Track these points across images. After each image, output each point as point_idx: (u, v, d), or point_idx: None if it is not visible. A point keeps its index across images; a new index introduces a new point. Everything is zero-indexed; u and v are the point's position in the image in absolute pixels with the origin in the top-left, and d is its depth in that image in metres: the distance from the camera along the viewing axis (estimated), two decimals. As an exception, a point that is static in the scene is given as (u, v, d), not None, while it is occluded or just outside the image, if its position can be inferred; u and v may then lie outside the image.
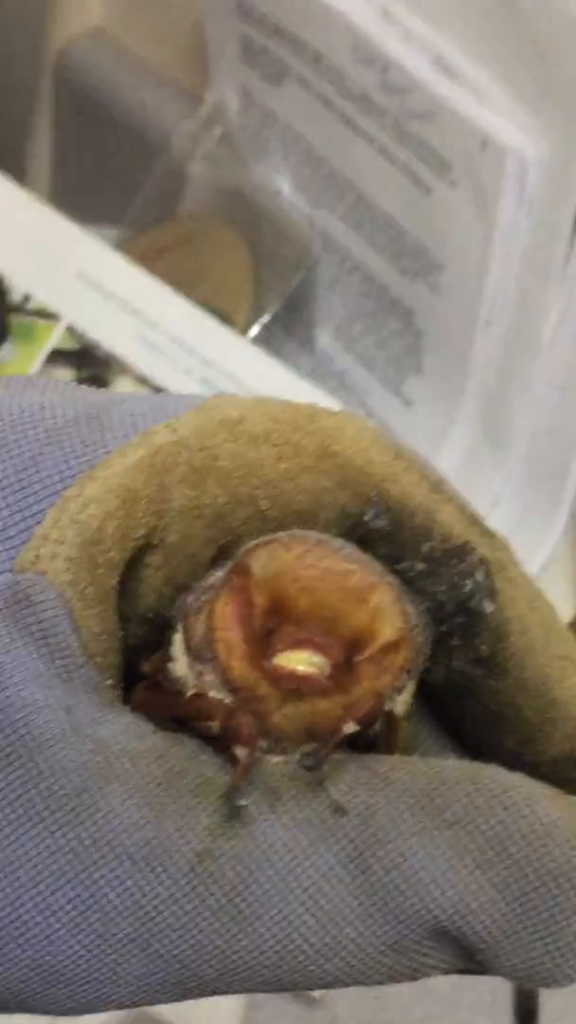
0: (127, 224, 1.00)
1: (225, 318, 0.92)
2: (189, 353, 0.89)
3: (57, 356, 0.90)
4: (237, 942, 0.32)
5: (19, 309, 0.91)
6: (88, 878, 0.32)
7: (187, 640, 0.34)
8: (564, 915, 0.33)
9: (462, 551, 0.36)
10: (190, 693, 0.34)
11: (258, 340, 0.95)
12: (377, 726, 0.34)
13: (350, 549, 0.34)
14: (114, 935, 0.32)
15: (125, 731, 0.33)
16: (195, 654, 0.33)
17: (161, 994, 0.33)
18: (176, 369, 0.89)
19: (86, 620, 0.33)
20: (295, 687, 0.33)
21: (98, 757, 0.32)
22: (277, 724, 0.33)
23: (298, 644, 0.33)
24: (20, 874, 0.32)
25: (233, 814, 0.32)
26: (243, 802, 0.32)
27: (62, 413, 0.35)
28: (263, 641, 0.33)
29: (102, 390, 0.38)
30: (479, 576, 0.36)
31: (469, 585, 0.35)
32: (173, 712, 0.34)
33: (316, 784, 0.33)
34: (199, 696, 0.33)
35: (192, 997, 0.33)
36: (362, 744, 0.34)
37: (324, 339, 0.99)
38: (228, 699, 0.33)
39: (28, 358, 0.90)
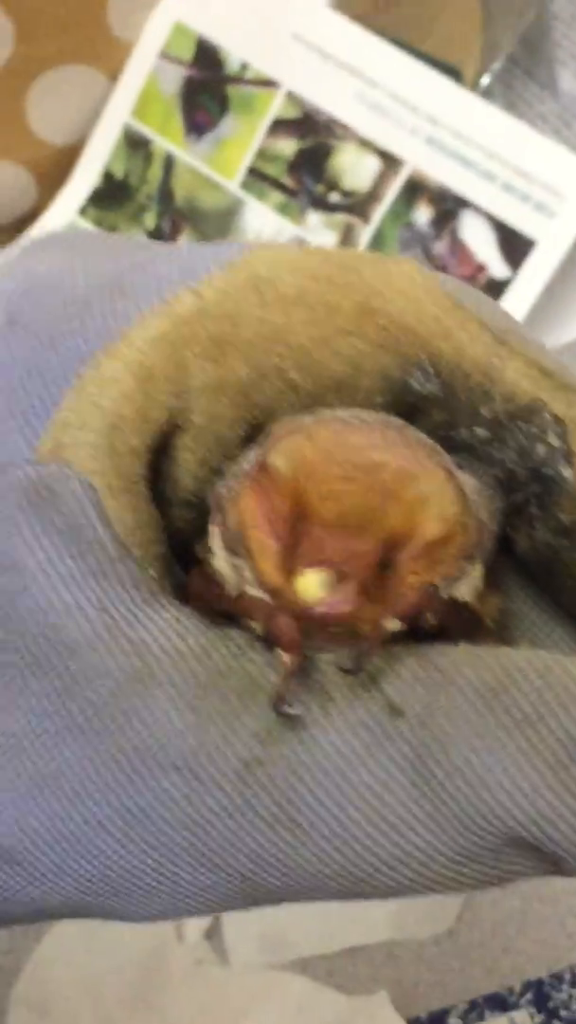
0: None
1: (454, 72, 0.86)
2: (413, 112, 0.85)
3: (279, 126, 0.87)
4: (297, 853, 0.30)
5: (237, 79, 0.87)
6: (134, 790, 0.30)
7: (222, 533, 0.31)
8: None
9: (530, 411, 0.32)
10: (232, 590, 0.31)
11: (494, 89, 0.90)
12: (431, 616, 0.31)
13: (389, 429, 0.31)
14: (168, 847, 0.30)
15: (168, 629, 0.31)
16: (230, 548, 0.31)
17: (231, 903, 0.31)
18: (401, 129, 0.85)
19: (117, 511, 0.31)
20: (315, 622, 0.30)
21: (136, 660, 0.30)
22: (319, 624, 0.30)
23: (319, 563, 0.30)
24: (65, 787, 0.30)
25: (282, 720, 0.30)
26: (291, 710, 0.30)
27: (83, 281, 0.33)
28: (292, 547, 0.30)
29: (138, 242, 0.35)
30: (552, 438, 0.32)
31: (541, 449, 0.32)
32: (220, 606, 0.32)
33: (371, 683, 0.30)
34: (242, 594, 0.31)
35: (266, 905, 0.32)
36: (430, 635, 0.31)
37: (568, 80, 0.92)
38: (267, 598, 0.31)
39: (250, 130, 0.87)
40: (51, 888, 0.31)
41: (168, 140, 0.89)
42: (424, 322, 0.32)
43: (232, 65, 0.87)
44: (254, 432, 0.32)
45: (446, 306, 0.32)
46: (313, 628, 0.30)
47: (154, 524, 0.32)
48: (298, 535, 0.30)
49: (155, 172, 0.89)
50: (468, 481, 0.31)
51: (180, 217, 0.88)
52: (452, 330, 0.32)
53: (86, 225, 0.90)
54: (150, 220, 0.88)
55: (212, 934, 0.71)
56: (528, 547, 0.33)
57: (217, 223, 0.87)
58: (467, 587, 0.31)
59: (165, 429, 0.32)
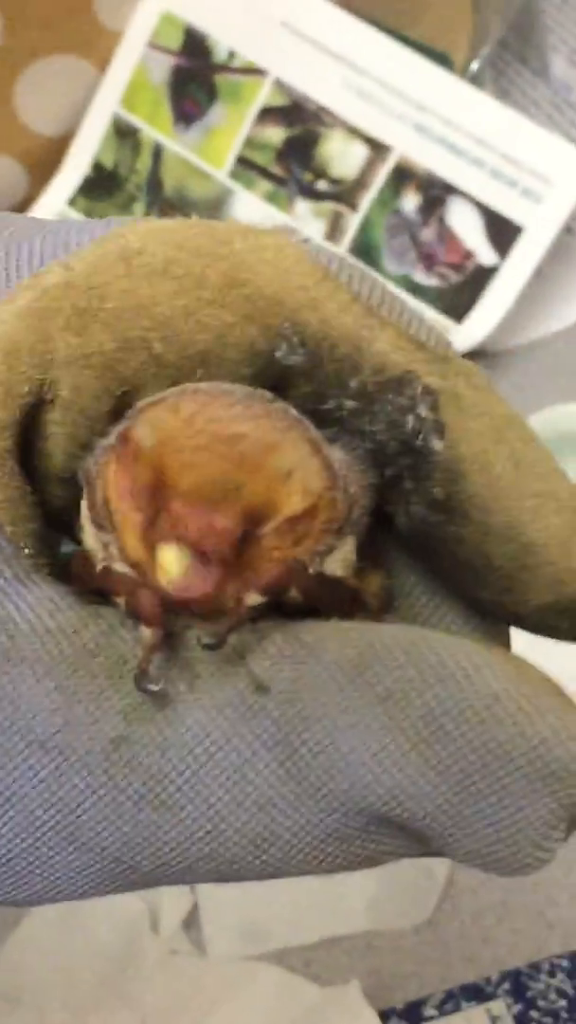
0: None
1: (444, 58, 0.86)
2: (401, 99, 0.84)
3: (267, 114, 0.86)
4: (165, 833, 0.30)
5: (225, 68, 0.87)
6: (2, 770, 0.30)
7: (90, 508, 0.31)
8: (513, 798, 0.30)
9: (400, 383, 0.31)
10: (99, 567, 0.31)
11: (485, 75, 0.89)
12: (296, 591, 0.30)
13: (253, 401, 0.30)
14: (37, 827, 0.30)
15: (38, 606, 0.31)
16: (97, 524, 0.31)
17: (104, 887, 0.31)
18: (389, 116, 0.84)
19: None
20: (175, 599, 0.30)
21: (3, 637, 0.30)
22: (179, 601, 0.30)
23: (177, 538, 0.29)
24: None
25: (148, 698, 0.30)
26: (153, 687, 0.30)
27: None
28: (153, 520, 0.30)
29: (23, 218, 0.34)
30: (422, 410, 0.31)
31: (411, 421, 0.31)
32: (93, 584, 0.31)
33: (237, 659, 0.30)
34: (107, 570, 0.31)
35: (141, 888, 0.32)
36: (302, 611, 0.31)
37: (560, 66, 0.92)
38: (132, 573, 0.30)
39: (238, 118, 0.87)
40: None
41: (157, 129, 0.88)
42: (291, 292, 0.31)
43: (220, 54, 0.87)
44: (121, 406, 0.31)
45: (316, 277, 0.31)
46: (179, 607, 0.30)
47: (26, 500, 0.31)
48: (158, 508, 0.29)
49: (144, 162, 0.89)
50: (337, 455, 0.31)
51: (169, 207, 0.88)
52: (320, 301, 0.31)
53: (76, 215, 0.89)
54: (139, 210, 0.88)
55: (189, 924, 0.70)
56: (406, 523, 0.32)
57: (206, 212, 0.87)
58: (338, 562, 0.31)
59: (32, 402, 0.31)
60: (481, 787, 0.29)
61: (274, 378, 0.32)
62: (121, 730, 0.30)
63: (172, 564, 0.29)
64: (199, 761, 0.30)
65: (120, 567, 0.30)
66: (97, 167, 0.90)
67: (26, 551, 0.31)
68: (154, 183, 0.88)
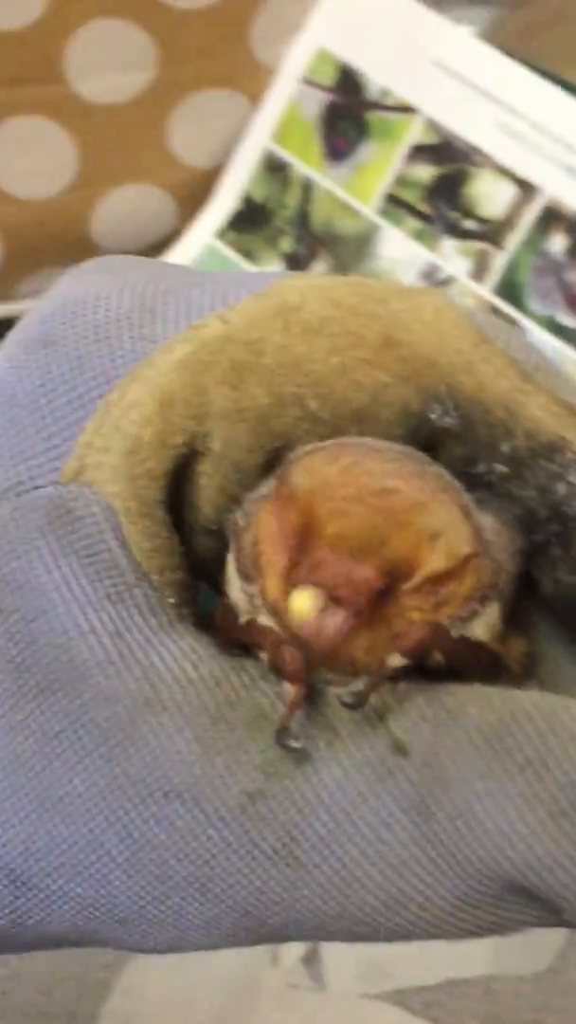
0: (493, 3, 0.94)
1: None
2: (552, 139, 0.84)
3: (417, 152, 0.86)
4: (297, 890, 0.30)
5: (377, 105, 0.87)
6: (138, 817, 0.30)
7: (237, 559, 0.31)
8: None
9: (551, 449, 0.31)
10: (243, 619, 0.31)
11: None
12: (438, 654, 0.30)
13: (408, 460, 0.30)
14: (171, 877, 0.30)
15: (182, 656, 0.31)
16: (244, 574, 0.31)
17: (234, 939, 0.31)
18: (539, 156, 0.84)
19: (135, 535, 0.31)
20: (304, 640, 0.29)
21: (146, 686, 0.30)
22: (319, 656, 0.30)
23: (314, 582, 0.29)
24: (71, 811, 0.30)
25: (287, 754, 0.30)
26: (294, 743, 0.30)
27: (116, 304, 0.33)
28: (296, 564, 0.30)
29: (179, 268, 0.35)
30: (573, 476, 0.31)
31: (562, 488, 0.31)
32: (236, 636, 0.32)
33: (377, 720, 0.30)
34: (251, 623, 0.31)
35: (271, 942, 0.32)
36: (445, 675, 0.31)
37: None
38: (276, 626, 0.30)
39: (388, 156, 0.87)
40: (56, 912, 0.31)
41: (307, 165, 0.89)
42: (446, 355, 0.31)
43: (372, 91, 0.87)
44: (273, 461, 0.32)
45: (472, 340, 0.32)
46: (317, 659, 0.30)
47: (173, 551, 0.32)
48: (303, 552, 0.30)
49: (293, 196, 0.89)
50: (486, 521, 0.31)
51: (316, 242, 0.88)
52: (475, 364, 0.31)
53: (224, 248, 0.90)
54: (286, 244, 0.89)
55: (310, 959, 0.70)
56: (552, 589, 0.32)
57: (353, 248, 0.87)
58: (482, 627, 0.31)
59: (184, 454, 0.32)
60: None
61: (426, 439, 0.32)
62: (259, 784, 0.30)
63: (304, 605, 0.29)
64: (335, 820, 0.30)
65: (264, 620, 0.30)
66: (247, 200, 0.90)
67: (171, 600, 0.32)
68: (302, 218, 0.89)
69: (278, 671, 0.30)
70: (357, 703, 0.29)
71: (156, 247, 0.91)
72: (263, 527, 0.30)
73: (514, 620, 0.32)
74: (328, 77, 0.88)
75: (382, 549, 0.29)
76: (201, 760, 0.30)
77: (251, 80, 0.89)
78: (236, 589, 0.31)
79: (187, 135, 0.89)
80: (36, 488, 0.32)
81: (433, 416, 0.31)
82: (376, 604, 0.30)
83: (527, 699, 0.30)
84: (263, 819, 0.30)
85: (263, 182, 0.90)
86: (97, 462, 0.31)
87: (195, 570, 0.33)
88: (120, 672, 0.30)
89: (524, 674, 0.32)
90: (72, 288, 0.33)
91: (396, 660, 0.30)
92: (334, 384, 0.31)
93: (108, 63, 0.86)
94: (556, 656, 0.33)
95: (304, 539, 0.29)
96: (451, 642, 0.30)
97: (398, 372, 0.31)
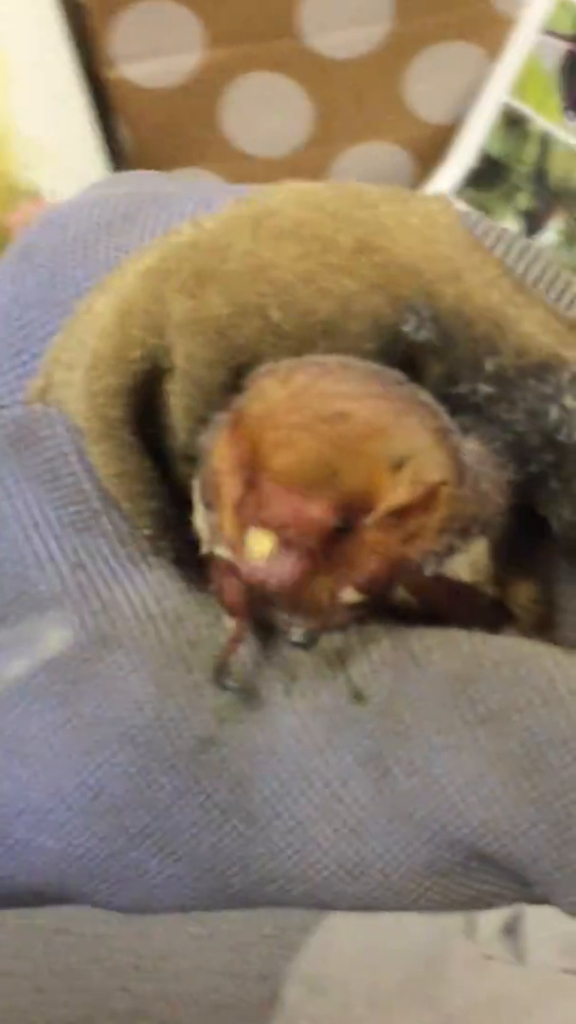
0: None
1: None
2: None
3: None
4: (252, 848, 0.28)
5: (619, 54, 0.84)
6: (92, 762, 0.29)
7: (200, 485, 0.29)
8: None
9: (543, 368, 0.28)
10: (204, 550, 0.29)
11: None
12: (404, 592, 0.28)
13: (373, 379, 0.27)
14: (127, 829, 0.29)
15: (147, 591, 0.29)
16: (206, 502, 0.29)
17: (201, 901, 0.30)
18: None
19: (98, 458, 0.29)
20: (261, 572, 0.27)
21: (104, 620, 0.29)
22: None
23: (262, 523, 0.27)
24: (29, 753, 0.29)
25: (242, 697, 0.28)
26: (232, 683, 0.28)
27: (97, 214, 0.31)
28: (246, 499, 0.27)
29: (186, 182, 0.32)
30: (568, 400, 0.28)
31: (554, 412, 0.28)
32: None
33: (338, 663, 0.28)
34: (209, 554, 0.29)
35: (242, 906, 0.30)
36: (425, 619, 0.28)
37: None
38: (230, 557, 0.28)
39: (630, 107, 0.84)
40: (26, 864, 0.30)
41: (546, 118, 0.86)
42: (431, 261, 0.28)
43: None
44: (238, 379, 0.29)
45: (465, 247, 0.29)
46: (273, 600, 0.27)
47: (144, 476, 0.30)
48: (251, 487, 0.27)
49: (531, 152, 0.86)
50: (470, 446, 0.28)
51: (554, 198, 0.85)
52: (462, 272, 0.28)
53: (462, 206, 0.88)
54: (523, 201, 0.86)
55: (511, 930, 0.68)
56: (558, 527, 0.29)
57: (592, 204, 0.84)
58: (464, 565, 0.28)
59: (146, 369, 0.29)
60: None
61: (402, 356, 0.29)
62: (211, 730, 0.28)
63: (254, 549, 0.27)
64: (288, 772, 0.28)
65: (221, 551, 0.28)
66: (484, 157, 0.88)
67: (147, 532, 0.30)
68: (540, 174, 0.86)
69: (221, 604, 0.28)
70: (307, 643, 0.27)
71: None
72: (218, 455, 0.28)
73: (520, 562, 0.29)
74: (569, 27, 0.85)
75: (334, 482, 0.27)
76: (155, 701, 0.28)
77: (489, 32, 0.86)
78: (200, 518, 0.29)
79: (424, 90, 0.87)
80: (2, 407, 0.30)
81: (407, 328, 0.28)
82: (332, 542, 0.27)
83: (498, 644, 0.27)
84: (215, 768, 0.28)
85: (501, 137, 0.87)
86: (64, 379, 0.29)
87: (181, 500, 0.30)
88: (78, 605, 0.28)
89: (539, 624, 0.29)
90: (66, 203, 0.32)
91: (350, 595, 0.27)
92: (299, 292, 0.28)
93: (343, 17, 0.85)
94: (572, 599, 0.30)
95: (253, 472, 0.27)
96: (421, 580, 0.28)
97: (370, 279, 0.28)
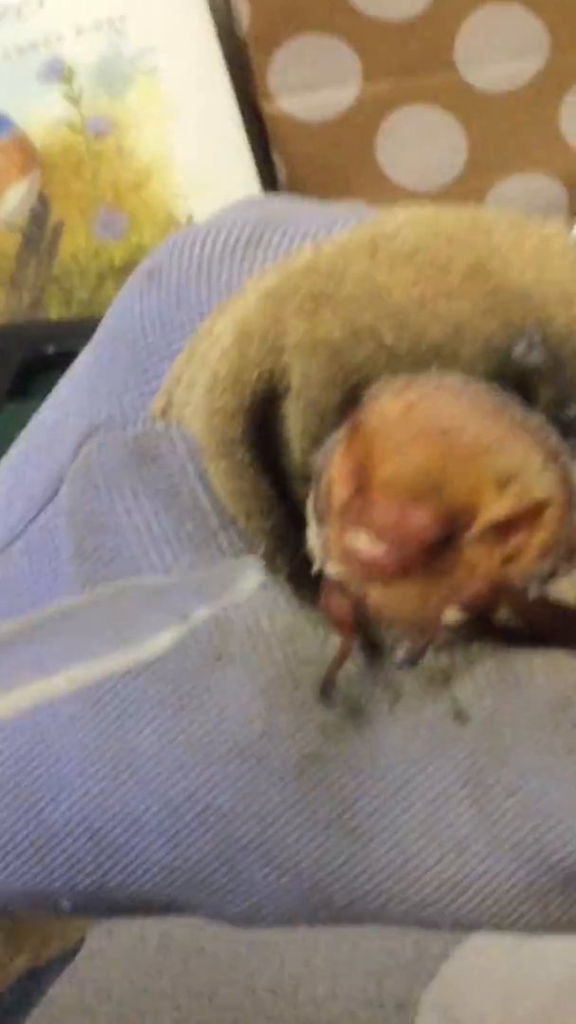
0: None
1: None
2: None
3: None
4: (355, 864, 0.29)
5: None
6: (203, 774, 0.29)
7: (314, 502, 0.29)
8: None
9: None
10: (316, 567, 0.29)
11: None
12: (507, 613, 0.28)
13: (486, 398, 0.28)
14: (236, 839, 0.29)
15: (260, 607, 0.29)
16: (318, 517, 0.29)
17: (307, 916, 0.30)
18: None
19: (216, 476, 0.30)
20: (361, 571, 0.28)
21: (217, 638, 0.29)
22: (374, 607, 0.28)
23: (364, 526, 0.27)
24: (141, 766, 0.30)
25: (349, 715, 0.28)
26: (336, 700, 0.28)
27: (225, 236, 0.31)
28: (352, 504, 0.28)
29: (319, 205, 0.33)
30: None
31: None
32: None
33: (442, 683, 0.28)
34: (320, 571, 0.29)
35: (340, 922, 0.30)
36: (529, 641, 0.28)
37: None
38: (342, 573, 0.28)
39: None
40: (135, 874, 0.31)
41: None
42: (543, 285, 0.29)
43: None
44: (353, 400, 0.29)
45: None
46: (366, 611, 0.28)
47: (260, 494, 0.30)
48: (359, 494, 0.28)
49: None
50: (569, 471, 0.28)
51: None
52: (574, 296, 0.28)
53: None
54: None
55: None
56: None
57: None
58: (571, 589, 0.28)
59: (264, 390, 0.30)
60: None
61: (514, 380, 0.29)
62: (317, 746, 0.28)
63: (351, 547, 0.28)
64: (391, 789, 0.28)
65: (330, 567, 0.29)
66: None
67: (262, 549, 0.30)
68: None
69: (329, 620, 0.28)
70: (411, 660, 0.28)
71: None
72: (335, 468, 0.28)
73: None
74: None
75: (440, 493, 0.27)
76: (264, 716, 0.29)
77: None
78: (313, 534, 0.29)
79: (579, 122, 0.87)
80: (125, 425, 0.31)
81: (517, 352, 0.28)
82: (433, 554, 0.27)
83: None
84: (320, 783, 0.28)
85: None
86: (184, 399, 0.30)
87: (297, 519, 0.30)
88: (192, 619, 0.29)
89: None
90: (194, 224, 0.32)
91: (452, 615, 0.28)
92: (412, 316, 0.29)
93: (498, 51, 0.85)
94: None
95: (362, 481, 0.28)
96: (523, 601, 0.28)
97: (483, 304, 0.29)
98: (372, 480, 0.28)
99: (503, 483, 0.27)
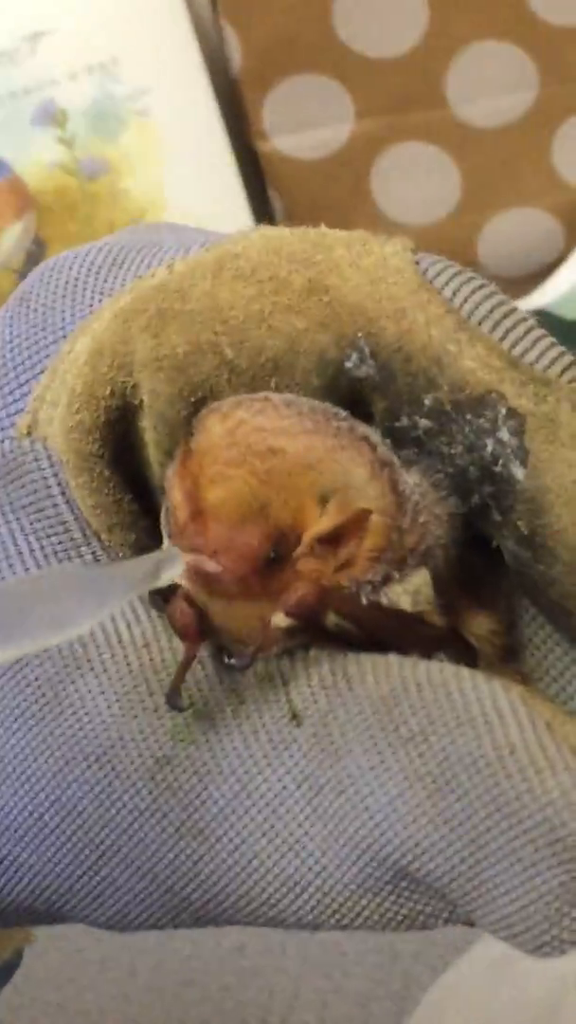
0: None
1: None
2: None
3: None
4: (204, 865, 0.30)
5: None
6: (64, 781, 0.30)
7: (164, 517, 0.30)
8: (522, 864, 0.27)
9: (480, 403, 0.29)
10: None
11: None
12: (336, 617, 0.29)
13: (313, 415, 0.29)
14: (96, 845, 0.30)
15: (119, 617, 0.30)
16: (169, 534, 0.30)
17: (170, 919, 0.31)
18: None
19: (76, 490, 0.31)
20: (204, 588, 0.29)
21: (78, 645, 0.30)
22: (216, 619, 0.29)
23: (195, 549, 0.28)
24: (10, 771, 0.30)
25: (196, 719, 0.29)
26: (180, 705, 0.29)
27: (91, 259, 0.32)
28: (185, 529, 0.29)
29: (185, 228, 0.34)
30: (504, 434, 0.29)
31: (490, 445, 0.29)
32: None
33: (281, 687, 0.29)
34: (174, 584, 0.30)
35: (207, 924, 0.31)
36: (370, 648, 0.29)
37: None
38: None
39: None
40: (12, 880, 0.31)
41: None
42: (375, 300, 0.30)
43: None
44: (195, 415, 0.31)
45: (411, 287, 0.30)
46: (213, 624, 0.29)
47: (121, 508, 0.31)
48: (193, 518, 0.29)
49: None
50: (412, 479, 0.29)
51: None
52: (406, 311, 0.29)
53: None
54: None
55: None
56: (508, 559, 0.30)
57: None
58: (406, 594, 0.29)
59: (118, 406, 0.31)
60: (493, 848, 0.27)
61: (347, 391, 0.30)
62: (167, 750, 0.29)
63: (196, 569, 0.28)
64: (233, 790, 0.29)
65: (180, 579, 0.29)
66: None
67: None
68: None
69: (173, 628, 0.29)
70: (241, 665, 0.29)
71: (543, 271, 0.90)
72: (170, 491, 0.29)
73: (481, 595, 0.30)
74: None
75: (266, 514, 0.28)
76: (119, 722, 0.29)
77: None
78: (166, 546, 0.30)
79: (572, 157, 0.87)
80: None
81: (348, 365, 0.30)
82: (267, 571, 0.28)
83: (424, 668, 0.28)
84: (170, 787, 0.29)
85: None
86: (48, 416, 0.31)
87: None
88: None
89: (500, 656, 0.30)
90: (67, 250, 0.34)
91: (280, 620, 0.29)
92: (251, 331, 0.30)
93: (490, 86, 0.86)
94: (544, 638, 0.31)
95: (195, 503, 0.29)
96: (356, 607, 0.29)
97: (318, 318, 0.30)
98: (203, 503, 0.28)
99: (323, 498, 0.28)
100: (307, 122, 0.87)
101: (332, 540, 0.28)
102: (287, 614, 0.29)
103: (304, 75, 0.86)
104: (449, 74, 0.86)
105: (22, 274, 0.85)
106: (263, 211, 0.89)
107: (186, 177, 0.86)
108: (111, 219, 0.86)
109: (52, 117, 0.84)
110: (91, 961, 0.72)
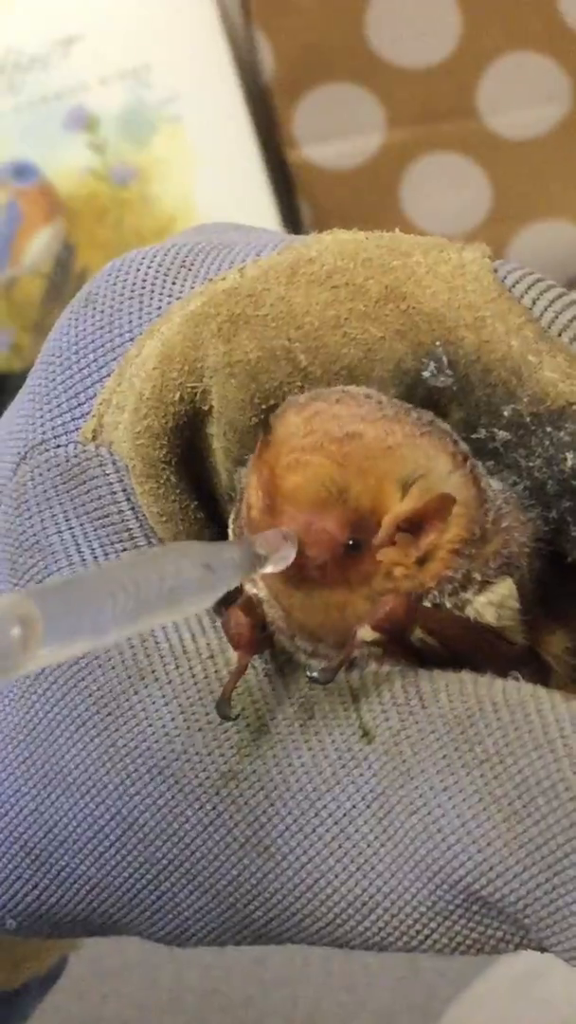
0: None
1: None
2: None
3: None
4: (269, 882, 0.29)
5: None
6: (125, 793, 0.30)
7: (234, 523, 0.30)
8: None
9: (560, 415, 0.29)
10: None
11: None
12: (420, 631, 0.28)
13: (392, 407, 0.28)
14: (158, 859, 0.30)
15: (183, 626, 0.30)
16: (238, 535, 0.30)
17: (231, 936, 0.30)
18: None
19: (142, 497, 0.30)
20: (279, 582, 0.28)
21: (142, 655, 0.30)
22: (298, 619, 0.28)
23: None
24: (70, 783, 0.30)
25: (262, 733, 0.29)
26: (230, 715, 0.29)
27: (159, 261, 0.32)
28: (269, 517, 0.28)
29: (253, 230, 0.33)
30: None
31: (570, 459, 0.29)
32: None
33: (351, 702, 0.28)
34: (239, 588, 0.29)
35: (263, 943, 0.30)
36: (447, 663, 0.29)
37: None
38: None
39: None
40: (70, 892, 0.31)
41: None
42: (454, 308, 0.29)
43: None
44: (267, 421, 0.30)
45: (490, 295, 0.29)
46: (293, 626, 0.28)
47: (187, 516, 0.31)
48: (270, 507, 0.28)
49: None
50: (496, 484, 0.28)
51: None
52: (486, 319, 0.29)
53: None
54: None
55: None
56: None
57: None
58: (491, 606, 0.29)
59: (187, 411, 0.30)
60: (571, 874, 0.27)
61: (424, 402, 0.29)
62: (232, 764, 0.29)
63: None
64: (301, 808, 0.28)
65: (250, 587, 0.29)
66: None
67: None
68: None
69: (227, 637, 0.29)
70: (322, 679, 0.28)
71: (573, 283, 0.90)
72: (249, 487, 0.29)
73: (556, 613, 0.30)
74: None
75: (344, 499, 0.27)
76: (183, 735, 0.29)
77: None
78: None
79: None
80: (58, 447, 0.31)
81: (426, 374, 0.29)
82: (346, 559, 0.28)
83: (501, 688, 0.28)
84: (235, 802, 0.29)
85: None
86: (114, 421, 0.31)
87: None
88: (117, 639, 0.29)
89: (570, 676, 0.29)
90: (133, 251, 0.33)
91: (366, 633, 0.28)
92: (326, 338, 0.29)
93: (520, 98, 0.86)
94: None
95: (271, 493, 0.28)
96: (440, 619, 0.28)
97: (395, 326, 0.29)
98: (280, 491, 0.28)
99: (406, 483, 0.28)
100: (338, 131, 0.87)
101: (413, 528, 0.28)
102: (375, 628, 0.28)
103: (336, 84, 0.86)
104: (481, 85, 0.85)
105: (51, 279, 0.85)
106: (292, 219, 0.89)
107: (216, 184, 0.86)
108: (140, 225, 0.86)
109: (83, 122, 0.84)
110: (112, 970, 0.72)
